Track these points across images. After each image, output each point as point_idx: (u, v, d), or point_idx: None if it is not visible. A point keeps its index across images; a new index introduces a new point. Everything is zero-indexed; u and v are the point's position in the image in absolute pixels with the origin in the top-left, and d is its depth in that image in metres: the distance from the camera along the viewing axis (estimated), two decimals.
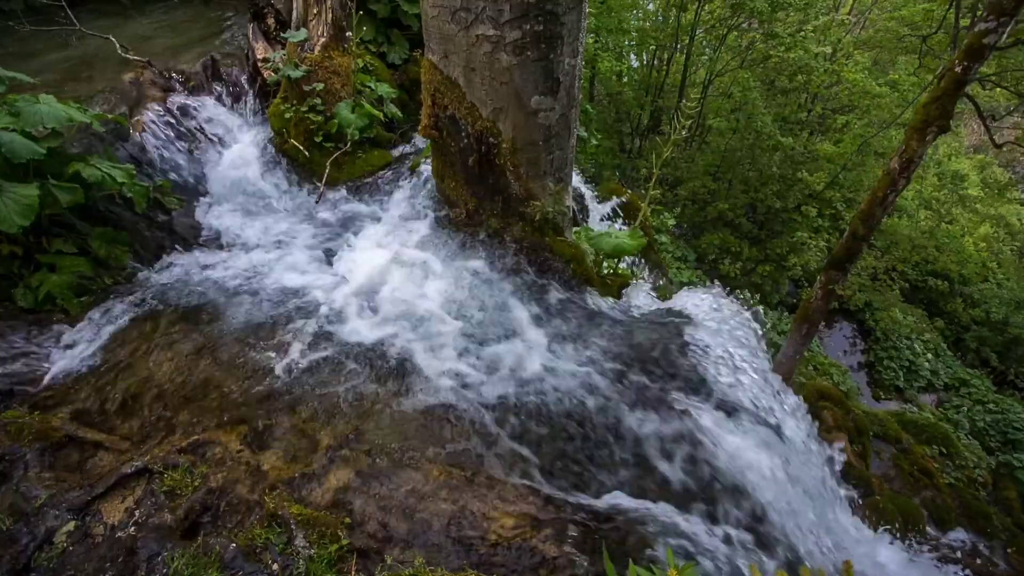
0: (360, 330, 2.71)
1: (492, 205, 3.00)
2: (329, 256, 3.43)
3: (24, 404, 2.37)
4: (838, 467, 2.94)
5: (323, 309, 2.84)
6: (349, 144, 4.08)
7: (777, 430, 2.46)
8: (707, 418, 2.32)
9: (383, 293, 2.94)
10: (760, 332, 2.84)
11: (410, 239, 3.29)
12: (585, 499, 2.07)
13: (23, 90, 3.12)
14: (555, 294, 2.99)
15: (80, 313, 2.86)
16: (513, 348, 2.65)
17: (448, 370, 2.51)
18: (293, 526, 1.81)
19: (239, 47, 4.59)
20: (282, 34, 4.35)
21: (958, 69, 4.14)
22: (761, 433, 2.39)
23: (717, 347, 2.64)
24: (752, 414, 2.43)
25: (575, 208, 3.73)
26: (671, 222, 12.16)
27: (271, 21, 4.52)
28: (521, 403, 2.37)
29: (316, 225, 3.82)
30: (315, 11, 4.24)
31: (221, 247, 3.57)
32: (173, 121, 3.88)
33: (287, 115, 4.05)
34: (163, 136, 3.75)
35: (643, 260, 4.69)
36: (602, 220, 4.50)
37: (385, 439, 2.18)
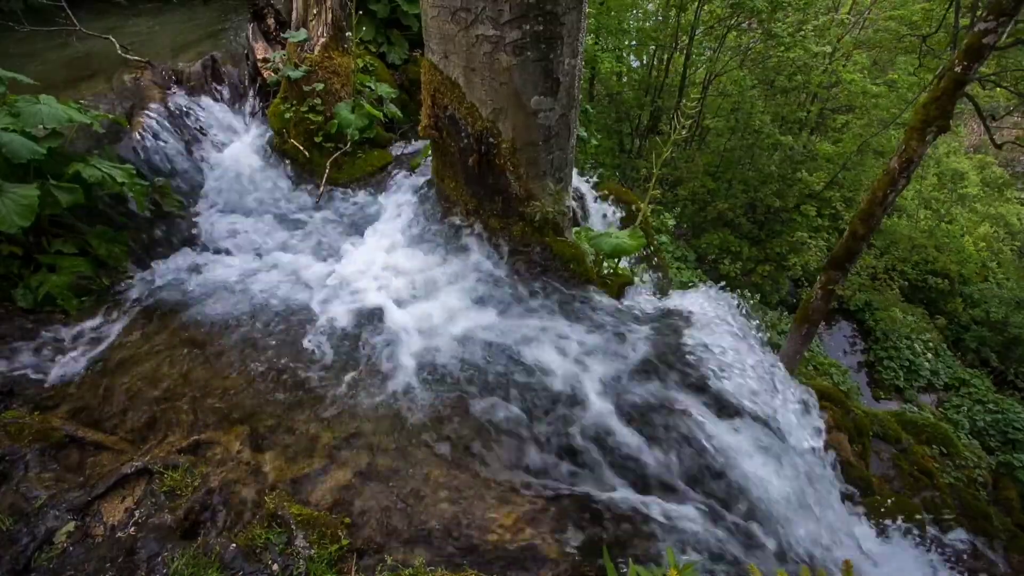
0: (359, 330, 2.71)
1: (492, 205, 3.00)
2: (328, 256, 3.43)
3: (24, 404, 2.37)
4: (837, 467, 2.93)
5: (321, 310, 2.84)
6: (349, 144, 4.08)
7: (778, 430, 2.46)
8: (708, 418, 2.32)
9: (381, 291, 2.94)
10: (761, 331, 2.84)
11: (410, 239, 3.29)
12: (585, 498, 2.07)
13: (23, 90, 3.11)
14: (555, 294, 2.99)
15: (80, 313, 2.86)
16: (512, 347, 2.65)
17: (448, 370, 2.51)
18: (293, 526, 1.81)
19: (239, 47, 4.59)
20: (282, 34, 4.35)
21: (958, 69, 4.13)
22: (761, 433, 2.39)
23: (717, 346, 2.64)
24: (752, 413, 2.43)
25: (575, 208, 3.73)
26: (671, 222, 12.16)
27: (271, 21, 4.52)
28: (521, 403, 2.38)
29: (316, 225, 3.82)
30: (315, 11, 4.24)
31: (219, 248, 3.56)
32: (173, 121, 3.88)
33: (287, 115, 4.05)
34: (163, 136, 3.74)
35: (643, 260, 4.69)
36: (603, 218, 4.50)
37: (385, 439, 2.18)
